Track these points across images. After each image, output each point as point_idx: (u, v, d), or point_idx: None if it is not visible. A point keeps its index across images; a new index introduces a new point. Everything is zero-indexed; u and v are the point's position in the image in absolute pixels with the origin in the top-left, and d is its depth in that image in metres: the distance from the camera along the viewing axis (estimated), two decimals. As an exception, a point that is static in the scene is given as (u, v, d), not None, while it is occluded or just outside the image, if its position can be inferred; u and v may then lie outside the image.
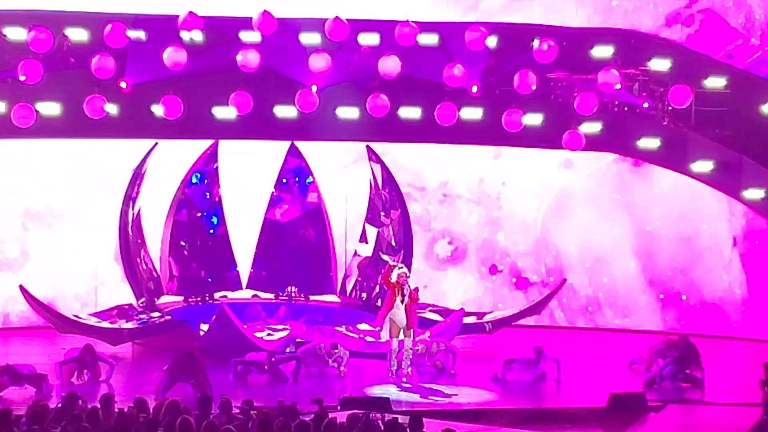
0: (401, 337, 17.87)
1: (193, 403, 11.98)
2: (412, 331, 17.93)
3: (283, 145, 21.94)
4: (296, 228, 22.12)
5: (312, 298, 21.89)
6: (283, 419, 11.03)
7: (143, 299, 20.95)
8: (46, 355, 18.66)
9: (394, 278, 18.04)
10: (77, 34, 19.29)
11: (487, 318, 21.36)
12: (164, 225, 21.62)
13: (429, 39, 19.80)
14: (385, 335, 18.25)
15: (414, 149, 22.59)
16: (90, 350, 17.62)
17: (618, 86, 19.98)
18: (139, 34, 19.25)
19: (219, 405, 11.88)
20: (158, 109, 19.38)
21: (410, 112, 20.28)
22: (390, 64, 19.38)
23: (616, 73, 19.76)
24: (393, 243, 21.67)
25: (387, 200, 21.84)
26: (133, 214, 21.21)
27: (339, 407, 14.63)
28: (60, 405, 11.74)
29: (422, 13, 20.40)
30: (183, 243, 21.74)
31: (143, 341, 20.22)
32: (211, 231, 21.89)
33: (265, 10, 19.19)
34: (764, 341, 21.16)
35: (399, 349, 17.82)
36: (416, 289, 18.14)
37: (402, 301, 17.85)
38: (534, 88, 19.66)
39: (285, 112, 20.14)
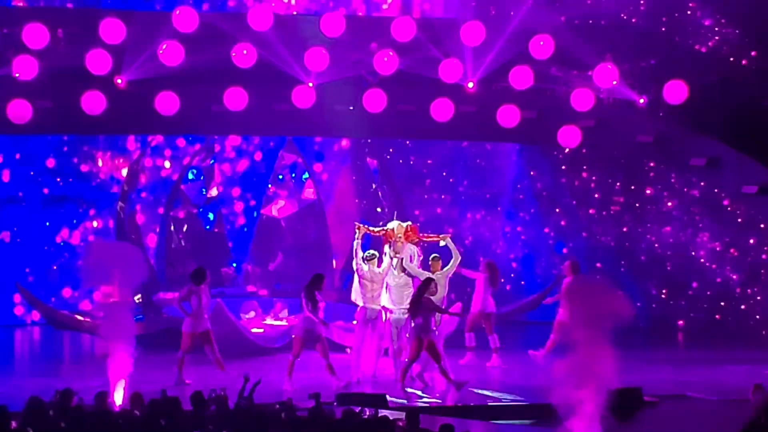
0: None
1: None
2: None
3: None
4: (293, 224, 22.12)
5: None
6: (275, 414, 11.04)
7: (139, 295, 20.94)
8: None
9: None
10: (72, 30, 19.27)
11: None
12: (161, 221, 21.62)
13: (426, 35, 19.80)
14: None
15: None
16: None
17: (615, 82, 19.96)
18: (135, 30, 19.23)
19: (214, 400, 11.86)
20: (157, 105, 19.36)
21: (407, 108, 20.25)
22: (386, 61, 19.37)
23: (611, 68, 19.75)
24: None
25: (382, 197, 21.84)
26: (130, 210, 21.20)
27: (335, 403, 14.63)
28: (55, 401, 11.73)
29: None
30: (179, 239, 21.75)
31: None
32: (208, 227, 21.90)
33: (259, 6, 19.18)
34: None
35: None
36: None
37: None
38: (531, 84, 19.67)
39: (282, 107, 20.11)
